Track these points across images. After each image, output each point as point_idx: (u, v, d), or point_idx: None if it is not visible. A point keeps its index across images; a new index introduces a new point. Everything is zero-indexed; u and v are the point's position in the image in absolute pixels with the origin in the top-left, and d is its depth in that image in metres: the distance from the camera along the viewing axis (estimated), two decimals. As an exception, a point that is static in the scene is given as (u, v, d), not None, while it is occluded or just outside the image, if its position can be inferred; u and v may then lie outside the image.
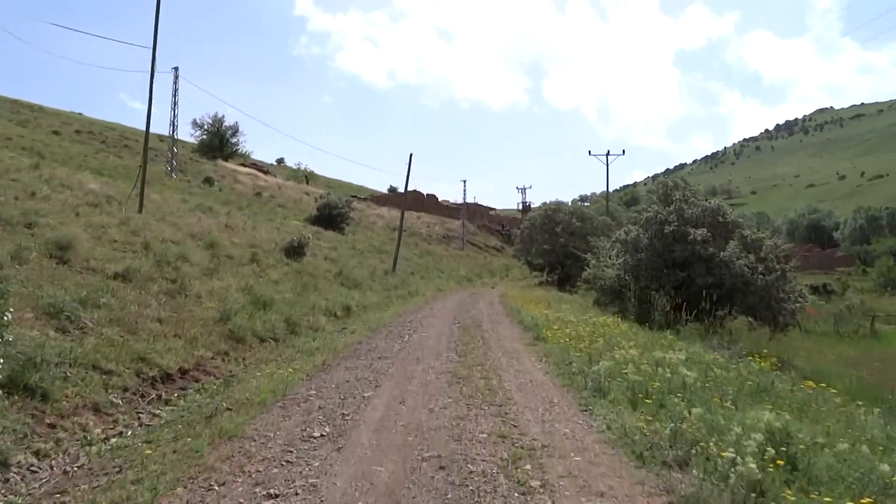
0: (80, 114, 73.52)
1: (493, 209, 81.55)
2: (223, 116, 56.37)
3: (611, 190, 36.22)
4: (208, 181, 41.42)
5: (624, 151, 36.53)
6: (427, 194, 72.53)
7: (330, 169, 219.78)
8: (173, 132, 35.85)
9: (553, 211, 35.77)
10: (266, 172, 55.60)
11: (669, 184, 18.72)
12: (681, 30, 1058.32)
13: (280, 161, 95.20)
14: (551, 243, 34.22)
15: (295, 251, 18.19)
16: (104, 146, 42.27)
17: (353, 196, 68.55)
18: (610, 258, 17.63)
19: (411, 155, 28.74)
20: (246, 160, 58.21)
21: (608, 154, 35.71)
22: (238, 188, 43.67)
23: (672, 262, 15.30)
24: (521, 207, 69.47)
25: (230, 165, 50.12)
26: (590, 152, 36.66)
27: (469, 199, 67.96)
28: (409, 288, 23.09)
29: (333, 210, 35.20)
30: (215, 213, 21.65)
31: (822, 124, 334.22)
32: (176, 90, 35.10)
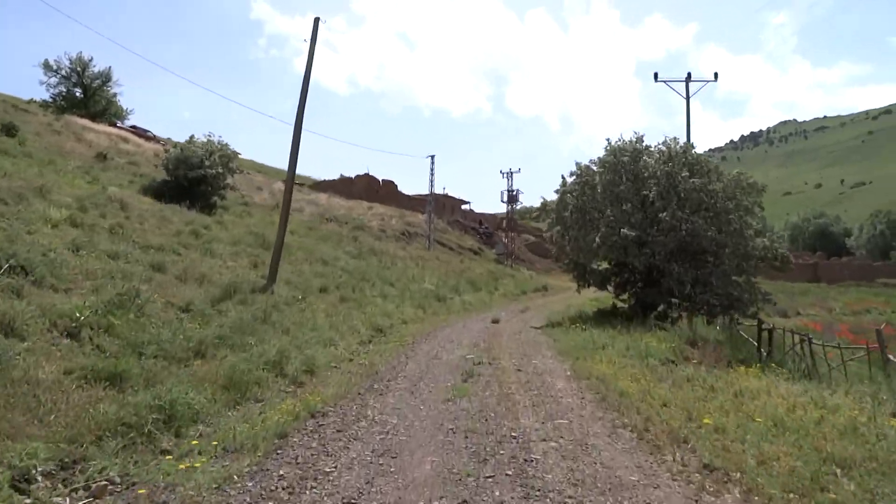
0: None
1: (468, 202, 66.14)
2: (91, 59, 39.36)
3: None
4: (7, 130, 25.18)
5: (716, 76, 21.36)
6: (383, 180, 56.53)
7: (275, 159, 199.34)
8: None
9: (633, 157, 16.23)
10: (149, 139, 38.94)
11: None
12: (641, 40, 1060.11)
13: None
14: (637, 225, 15.30)
15: None
16: None
17: (299, 183, 52.55)
18: None
19: (317, 20, 13.23)
20: (122, 119, 41.21)
21: (688, 79, 20.64)
22: (69, 146, 27.22)
23: None
24: (506, 198, 53.54)
25: (82, 121, 33.43)
26: (656, 76, 21.53)
27: (438, 191, 52.28)
28: (256, 355, 7.53)
29: (191, 172, 19.24)
30: None
31: (786, 136, 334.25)
32: None
